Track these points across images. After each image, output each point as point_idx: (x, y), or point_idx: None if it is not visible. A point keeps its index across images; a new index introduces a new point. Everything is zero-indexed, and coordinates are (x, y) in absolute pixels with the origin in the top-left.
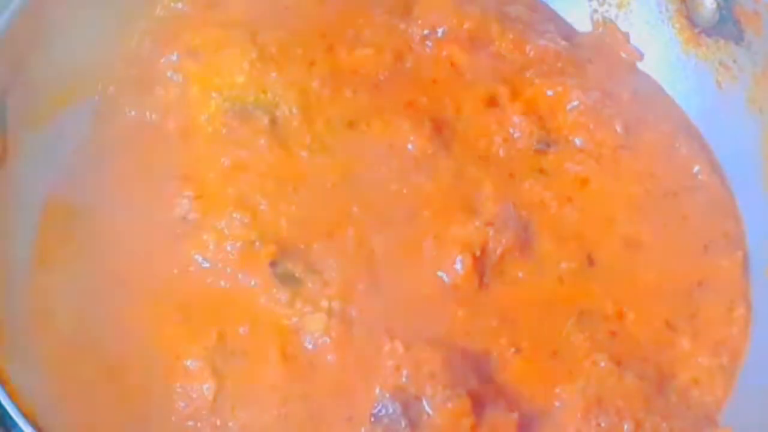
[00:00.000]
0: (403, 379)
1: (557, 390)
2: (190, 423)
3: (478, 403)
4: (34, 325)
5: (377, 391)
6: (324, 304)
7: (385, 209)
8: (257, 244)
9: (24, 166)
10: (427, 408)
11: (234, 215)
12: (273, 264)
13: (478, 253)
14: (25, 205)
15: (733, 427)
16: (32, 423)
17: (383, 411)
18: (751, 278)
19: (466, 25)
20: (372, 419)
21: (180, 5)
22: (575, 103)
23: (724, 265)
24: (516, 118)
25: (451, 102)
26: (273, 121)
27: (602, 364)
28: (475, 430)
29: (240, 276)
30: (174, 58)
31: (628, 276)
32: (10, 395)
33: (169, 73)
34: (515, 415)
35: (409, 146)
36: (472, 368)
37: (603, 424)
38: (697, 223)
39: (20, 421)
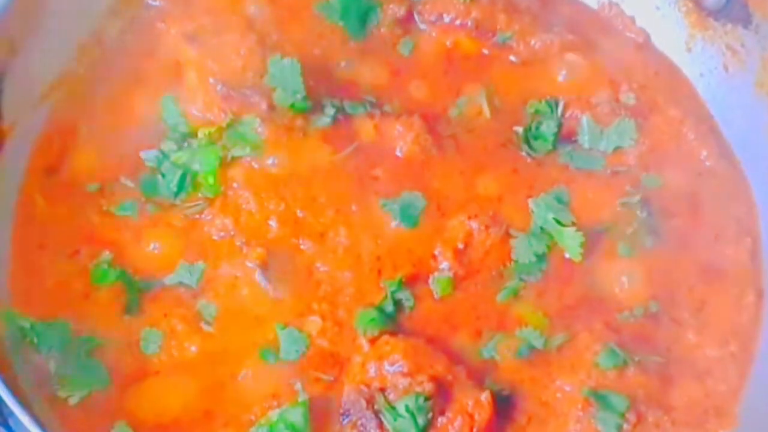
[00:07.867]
0: (371, 374)
1: (558, 382)
2: None
3: (444, 387)
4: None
5: (345, 389)
6: (314, 306)
7: (380, 207)
8: (245, 246)
9: (16, 150)
10: (391, 398)
11: (223, 212)
12: (262, 264)
13: (461, 246)
14: (15, 190)
15: (741, 418)
16: (28, 411)
17: (350, 409)
18: (763, 264)
19: (473, 14)
20: (342, 419)
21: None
22: (570, 97)
23: (734, 253)
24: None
25: (450, 99)
26: (271, 107)
27: None
28: (444, 413)
29: (224, 267)
30: (170, 47)
31: (635, 272)
32: (6, 382)
33: (164, 63)
34: (487, 393)
35: (400, 150)
36: (445, 354)
37: None
38: (709, 210)
39: (16, 410)
